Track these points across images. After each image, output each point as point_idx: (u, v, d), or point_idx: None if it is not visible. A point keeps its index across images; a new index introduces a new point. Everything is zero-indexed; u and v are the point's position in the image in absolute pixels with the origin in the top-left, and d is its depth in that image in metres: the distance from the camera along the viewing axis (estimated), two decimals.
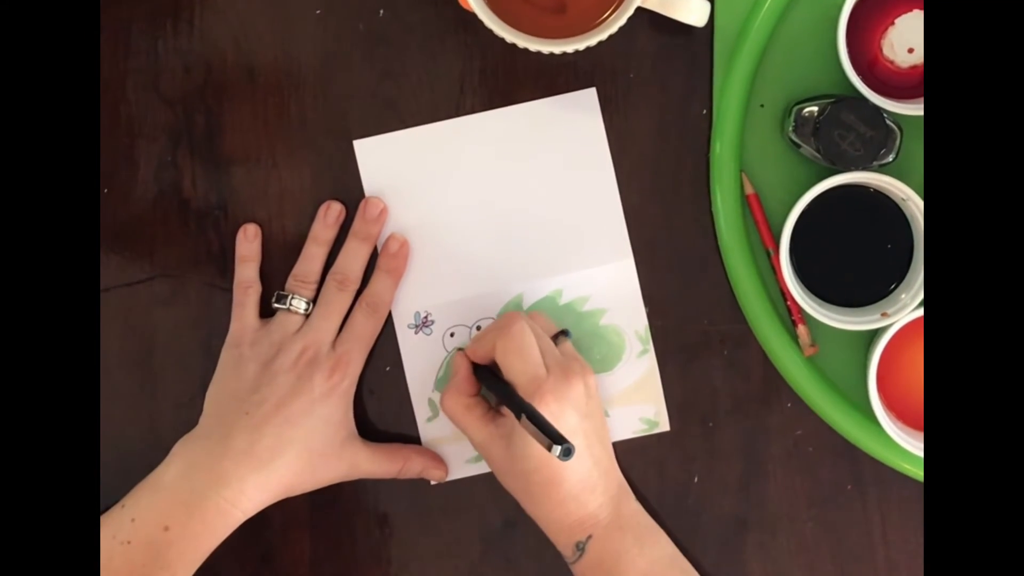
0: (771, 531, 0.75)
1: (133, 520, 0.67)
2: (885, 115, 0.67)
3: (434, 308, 0.75)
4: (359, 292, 0.73)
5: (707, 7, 0.68)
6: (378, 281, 0.73)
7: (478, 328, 0.75)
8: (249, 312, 0.73)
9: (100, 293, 0.74)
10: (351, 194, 0.74)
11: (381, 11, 0.74)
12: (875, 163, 0.68)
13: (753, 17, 0.71)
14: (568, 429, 0.66)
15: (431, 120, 0.74)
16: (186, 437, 0.71)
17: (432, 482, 0.75)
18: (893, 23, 0.70)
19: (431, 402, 0.75)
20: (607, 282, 0.74)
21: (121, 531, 0.67)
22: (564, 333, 0.73)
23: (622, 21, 0.66)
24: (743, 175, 0.73)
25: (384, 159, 0.74)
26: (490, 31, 0.66)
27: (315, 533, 0.75)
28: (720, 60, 0.73)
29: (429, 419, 0.75)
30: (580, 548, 0.67)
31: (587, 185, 0.74)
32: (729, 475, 0.75)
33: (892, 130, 0.68)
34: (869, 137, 0.66)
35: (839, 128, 0.66)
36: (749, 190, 0.73)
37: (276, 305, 0.73)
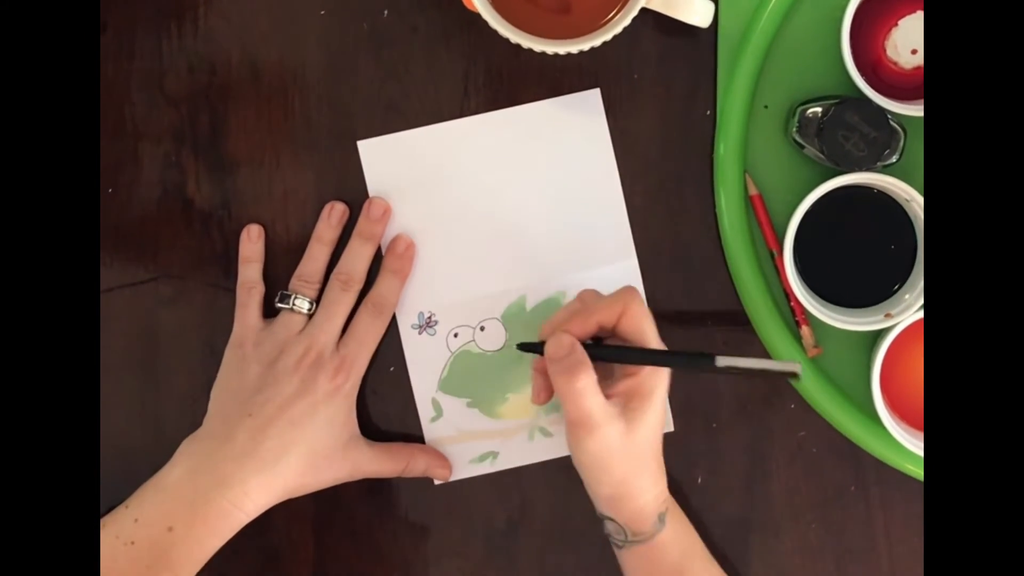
0: (774, 532, 0.75)
1: (136, 520, 0.67)
2: (889, 116, 0.67)
3: (438, 308, 0.75)
4: (363, 293, 0.73)
5: (711, 8, 0.68)
6: (384, 282, 0.73)
7: (482, 329, 0.75)
8: (252, 313, 0.73)
9: (103, 293, 0.74)
10: (355, 195, 0.74)
11: (385, 12, 0.74)
12: (879, 164, 0.68)
13: (757, 18, 0.71)
14: None
15: (435, 121, 0.74)
16: (191, 437, 0.71)
17: (436, 481, 0.75)
18: (897, 24, 0.70)
19: (435, 402, 0.75)
20: (611, 283, 0.74)
21: (124, 531, 0.67)
22: None
23: (626, 22, 0.66)
24: (747, 176, 0.73)
25: (388, 160, 0.74)
26: (494, 32, 0.67)
27: (319, 534, 0.75)
28: (724, 61, 0.73)
29: (433, 419, 0.75)
30: (662, 520, 0.67)
31: (591, 186, 0.74)
32: (733, 476, 0.75)
33: (896, 131, 0.68)
34: (873, 138, 0.66)
35: (843, 129, 0.66)
36: (753, 191, 0.73)
37: (279, 305, 0.73)
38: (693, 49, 0.73)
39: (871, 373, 0.69)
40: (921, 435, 0.70)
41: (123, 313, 0.74)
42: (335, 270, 0.73)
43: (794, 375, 0.62)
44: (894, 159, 0.69)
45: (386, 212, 0.73)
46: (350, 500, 0.75)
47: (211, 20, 0.74)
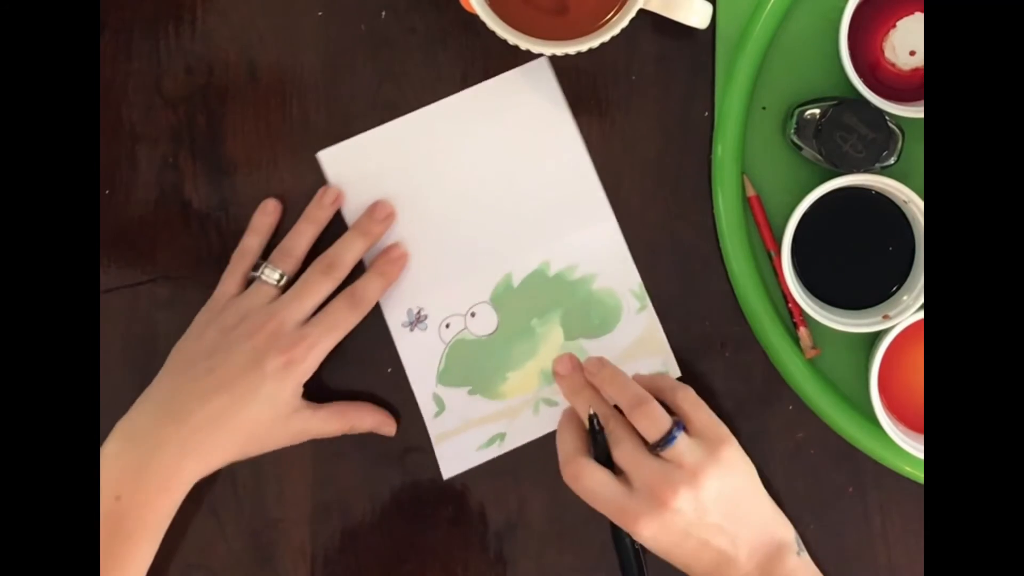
0: None
1: None
2: (887, 117, 0.67)
3: (425, 302, 0.75)
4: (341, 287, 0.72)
5: (709, 9, 0.68)
6: (369, 279, 0.72)
7: (472, 315, 0.74)
8: (234, 280, 0.72)
9: (102, 295, 0.74)
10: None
11: (383, 13, 0.74)
12: (877, 165, 0.68)
13: (755, 19, 0.71)
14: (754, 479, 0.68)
15: None
16: (139, 399, 0.70)
17: (385, 437, 0.74)
18: (895, 26, 0.70)
19: (436, 397, 0.75)
20: (592, 246, 0.74)
21: None
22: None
23: (624, 23, 0.66)
24: (745, 177, 0.73)
25: (350, 166, 0.74)
26: (492, 33, 0.66)
27: (317, 530, 0.75)
28: (722, 62, 0.73)
29: (436, 414, 0.75)
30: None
31: (556, 153, 0.74)
32: None
33: (894, 132, 0.68)
34: (871, 139, 0.66)
35: (841, 130, 0.66)
36: (751, 192, 0.73)
37: (252, 274, 0.72)
38: (691, 50, 0.73)
39: (869, 375, 0.69)
40: (919, 437, 0.70)
41: (121, 314, 0.74)
42: (321, 255, 0.72)
43: None
44: (892, 161, 0.69)
45: (389, 216, 0.73)
46: (348, 500, 0.75)
47: (209, 21, 0.74)
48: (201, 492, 0.74)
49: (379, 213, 0.73)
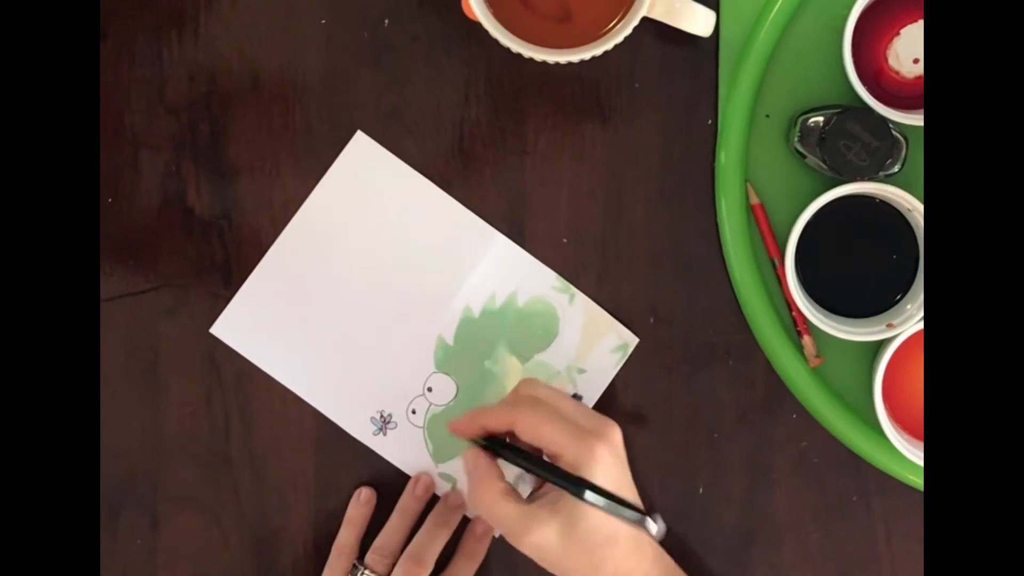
0: (776, 542, 0.75)
1: None
2: (891, 125, 0.66)
3: (381, 403, 0.74)
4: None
5: (712, 17, 0.68)
6: (459, 565, 0.73)
7: (429, 390, 0.74)
8: None
9: (103, 303, 0.74)
10: None
11: (386, 21, 0.74)
12: (881, 173, 0.68)
13: (759, 27, 0.71)
14: (626, 481, 0.63)
15: (436, 128, 0.74)
16: None
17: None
18: (899, 33, 0.70)
19: (443, 475, 0.75)
20: (497, 269, 0.74)
21: None
22: (576, 396, 0.72)
23: (627, 31, 0.66)
24: (748, 185, 0.73)
25: (247, 324, 0.74)
26: (495, 41, 0.66)
27: (319, 541, 0.75)
28: (725, 70, 0.73)
29: (455, 486, 0.75)
30: None
31: (419, 206, 0.74)
32: (734, 486, 0.75)
33: (898, 140, 0.68)
34: (875, 147, 0.66)
35: (845, 138, 0.66)
36: (754, 200, 0.73)
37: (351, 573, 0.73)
38: (694, 58, 0.73)
39: (873, 383, 0.69)
40: (923, 445, 0.70)
41: (123, 323, 0.74)
42: (408, 549, 0.72)
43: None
44: (896, 169, 0.69)
45: (429, 487, 0.74)
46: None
47: (211, 29, 0.74)
48: (204, 501, 0.74)
49: (454, 500, 0.74)
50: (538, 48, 0.66)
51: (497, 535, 0.74)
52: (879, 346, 0.72)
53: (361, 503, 0.74)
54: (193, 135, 0.74)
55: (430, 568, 0.72)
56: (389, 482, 0.75)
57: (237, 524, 0.75)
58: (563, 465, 0.62)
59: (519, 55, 0.67)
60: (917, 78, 0.70)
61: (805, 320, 0.72)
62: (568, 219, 0.74)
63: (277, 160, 0.74)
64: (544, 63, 0.67)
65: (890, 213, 0.70)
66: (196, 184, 0.74)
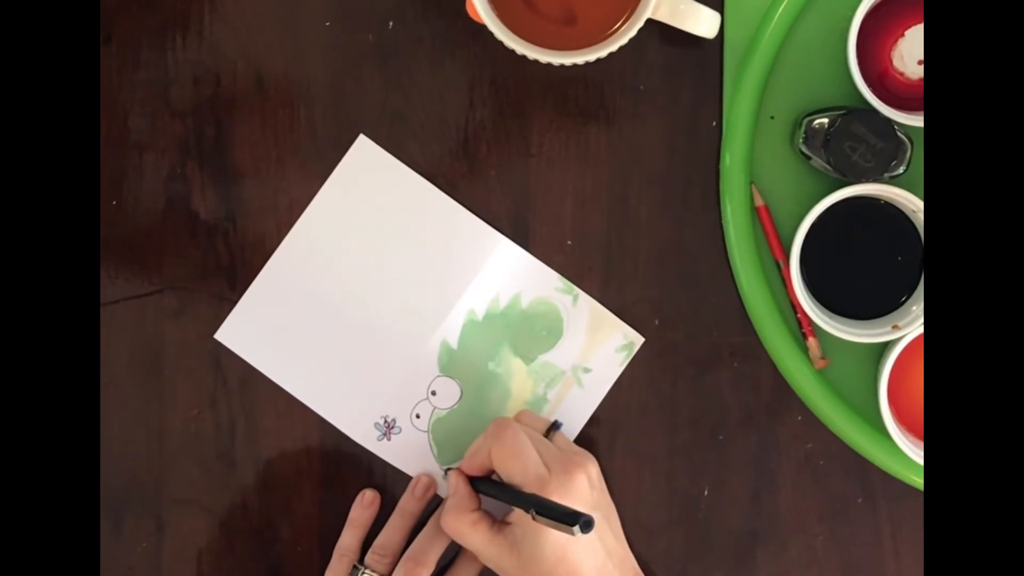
0: (782, 544, 0.75)
1: None
2: (896, 127, 0.66)
3: (385, 408, 0.74)
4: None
5: (717, 19, 0.68)
6: (461, 570, 0.73)
7: (433, 393, 0.74)
8: None
9: (108, 306, 0.74)
10: None
11: (391, 23, 0.74)
12: (886, 175, 0.68)
13: (763, 28, 0.71)
14: (591, 505, 0.66)
15: (440, 130, 0.74)
16: None
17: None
18: (903, 35, 0.70)
19: (446, 473, 0.74)
20: (501, 272, 0.74)
21: None
22: (555, 426, 0.73)
23: (632, 33, 0.66)
24: (753, 187, 0.73)
25: (251, 330, 0.74)
26: (500, 43, 0.66)
27: (324, 545, 0.75)
28: (730, 72, 0.73)
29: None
30: None
31: (422, 210, 0.73)
32: (739, 488, 0.75)
33: (903, 142, 0.68)
34: (880, 149, 0.66)
35: (850, 140, 0.66)
36: (759, 202, 0.73)
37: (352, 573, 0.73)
38: (699, 60, 0.73)
39: (878, 385, 0.69)
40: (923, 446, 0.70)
41: (128, 325, 0.74)
42: (409, 550, 0.72)
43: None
44: (901, 170, 0.69)
45: (430, 488, 0.74)
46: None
47: (216, 32, 0.74)
48: (209, 504, 0.74)
49: (418, 491, 0.74)
50: (543, 50, 0.66)
51: None
52: (884, 348, 0.72)
53: (365, 505, 0.74)
54: (198, 138, 0.74)
55: (431, 569, 0.72)
56: (394, 485, 0.75)
57: (241, 527, 0.75)
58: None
59: (523, 57, 0.67)
60: (922, 79, 0.70)
61: (810, 322, 0.72)
62: (573, 221, 0.74)
63: (282, 162, 0.74)
64: (549, 65, 0.67)
65: (895, 215, 0.70)
66: (201, 187, 0.74)
